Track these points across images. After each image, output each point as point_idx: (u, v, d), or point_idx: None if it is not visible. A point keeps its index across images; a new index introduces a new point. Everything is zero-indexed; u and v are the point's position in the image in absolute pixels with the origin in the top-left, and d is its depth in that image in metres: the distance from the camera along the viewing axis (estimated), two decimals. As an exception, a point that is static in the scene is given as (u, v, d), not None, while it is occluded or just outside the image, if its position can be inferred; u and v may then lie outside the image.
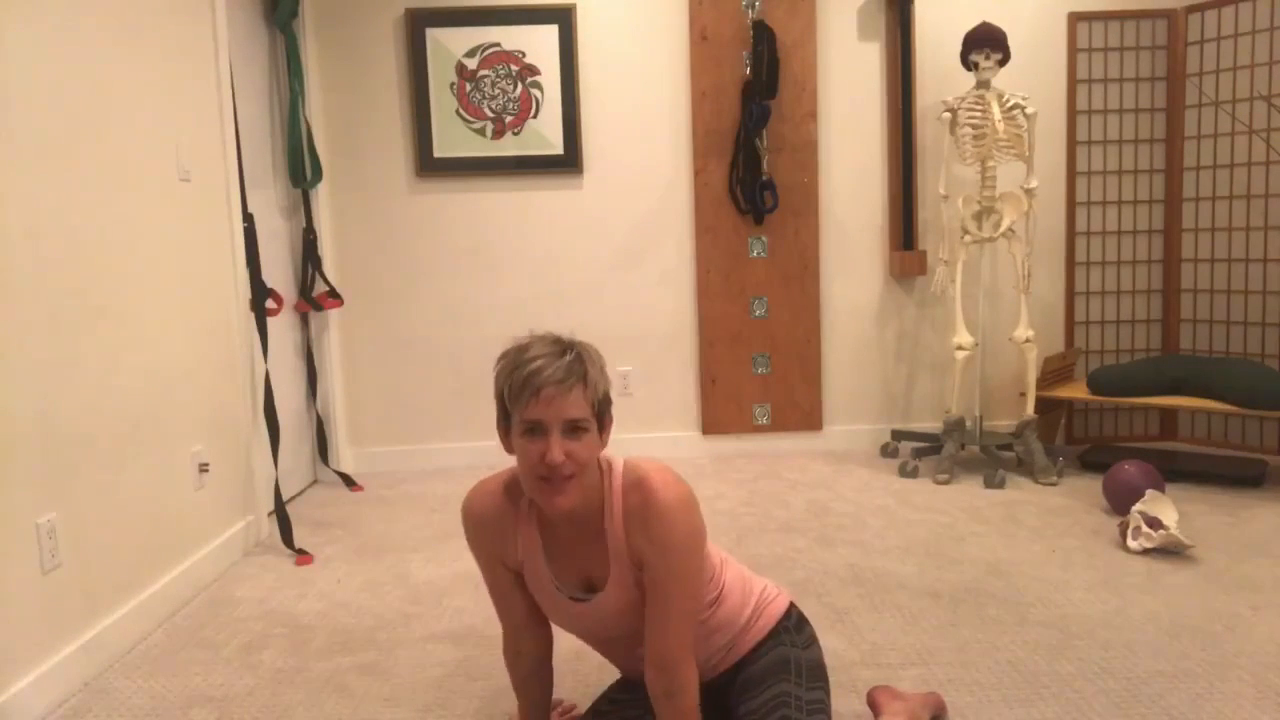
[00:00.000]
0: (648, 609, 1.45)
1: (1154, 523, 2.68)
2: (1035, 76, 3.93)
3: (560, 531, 1.49)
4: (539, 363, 1.36)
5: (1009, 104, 3.49)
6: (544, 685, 1.66)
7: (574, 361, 1.38)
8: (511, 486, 1.53)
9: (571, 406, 1.36)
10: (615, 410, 1.53)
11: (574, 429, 1.37)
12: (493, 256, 3.93)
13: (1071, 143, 3.95)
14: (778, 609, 1.67)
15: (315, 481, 3.86)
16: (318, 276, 3.72)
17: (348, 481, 3.76)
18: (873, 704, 1.80)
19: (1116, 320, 4.04)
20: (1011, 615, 2.29)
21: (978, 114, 3.50)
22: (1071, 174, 3.96)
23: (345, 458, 3.95)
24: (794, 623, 1.68)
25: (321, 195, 3.80)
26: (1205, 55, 3.82)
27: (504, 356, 1.42)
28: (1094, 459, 3.59)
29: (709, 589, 1.57)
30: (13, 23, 1.96)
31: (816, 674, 1.62)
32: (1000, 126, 3.45)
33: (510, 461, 1.48)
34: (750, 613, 1.63)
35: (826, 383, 4.06)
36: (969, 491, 3.38)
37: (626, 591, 1.48)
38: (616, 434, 2.03)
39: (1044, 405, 3.71)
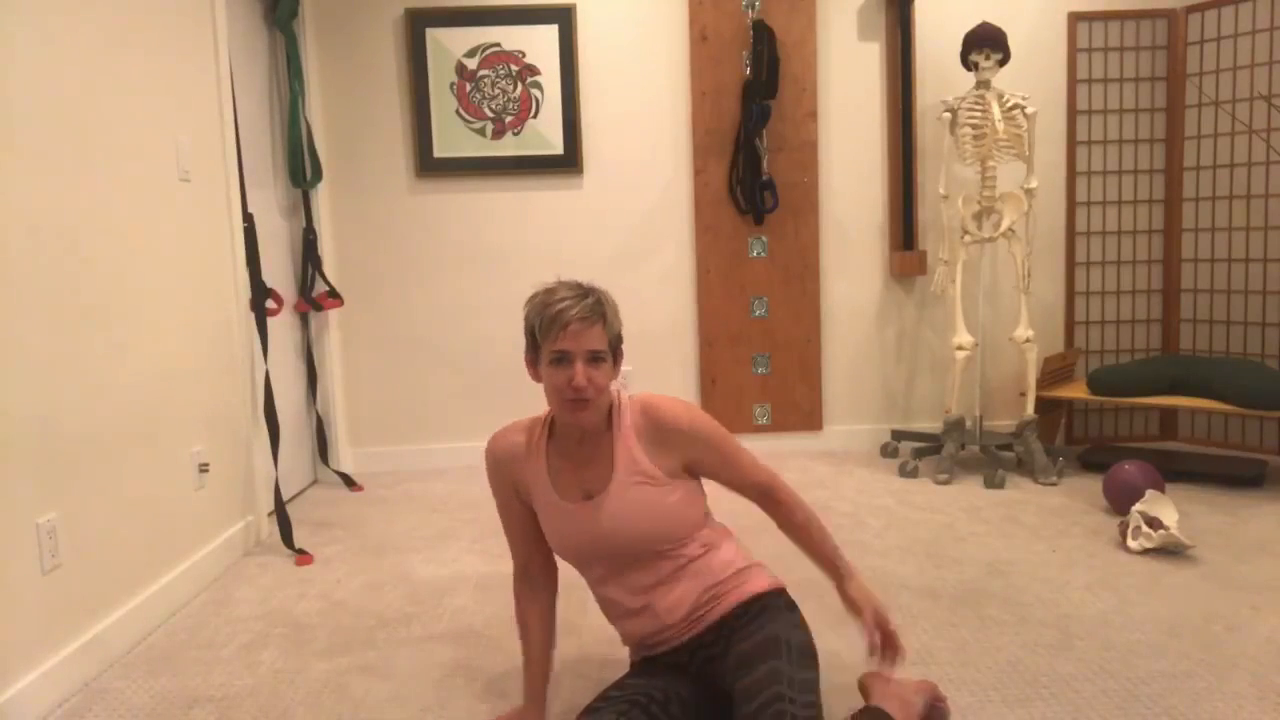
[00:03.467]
0: (726, 482, 1.75)
1: (1154, 523, 2.68)
2: (1035, 76, 3.93)
3: (570, 450, 1.73)
4: (566, 302, 1.61)
5: (1009, 104, 3.49)
6: (547, 628, 1.83)
7: (595, 303, 1.63)
8: (526, 428, 1.79)
9: (594, 340, 1.61)
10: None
11: (594, 359, 1.62)
12: (493, 256, 3.93)
13: (1071, 143, 3.95)
14: (768, 581, 1.76)
15: (315, 481, 3.86)
16: (318, 276, 3.72)
17: (348, 481, 3.76)
18: (864, 689, 1.80)
19: (1116, 320, 4.04)
20: (1011, 615, 2.29)
21: (978, 114, 3.50)
22: (1071, 174, 3.96)
23: (345, 458, 3.95)
24: (784, 603, 1.74)
25: (321, 195, 3.80)
26: (1205, 55, 3.82)
27: (533, 298, 1.66)
28: (1094, 459, 3.59)
29: (704, 535, 1.75)
30: (13, 23, 1.96)
31: (807, 655, 1.65)
32: (1000, 126, 3.45)
33: (523, 413, 1.62)
34: (739, 570, 1.75)
35: (826, 383, 4.06)
36: (969, 491, 3.38)
37: (627, 490, 1.68)
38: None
39: (1044, 405, 3.71)
